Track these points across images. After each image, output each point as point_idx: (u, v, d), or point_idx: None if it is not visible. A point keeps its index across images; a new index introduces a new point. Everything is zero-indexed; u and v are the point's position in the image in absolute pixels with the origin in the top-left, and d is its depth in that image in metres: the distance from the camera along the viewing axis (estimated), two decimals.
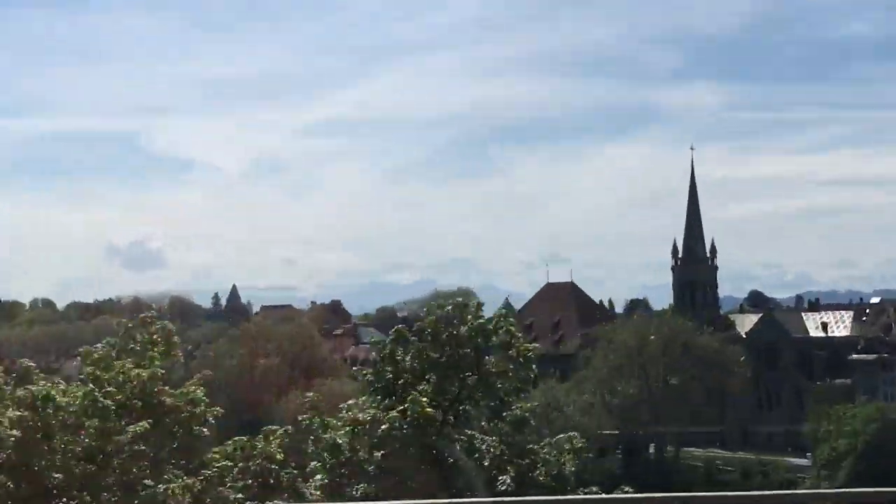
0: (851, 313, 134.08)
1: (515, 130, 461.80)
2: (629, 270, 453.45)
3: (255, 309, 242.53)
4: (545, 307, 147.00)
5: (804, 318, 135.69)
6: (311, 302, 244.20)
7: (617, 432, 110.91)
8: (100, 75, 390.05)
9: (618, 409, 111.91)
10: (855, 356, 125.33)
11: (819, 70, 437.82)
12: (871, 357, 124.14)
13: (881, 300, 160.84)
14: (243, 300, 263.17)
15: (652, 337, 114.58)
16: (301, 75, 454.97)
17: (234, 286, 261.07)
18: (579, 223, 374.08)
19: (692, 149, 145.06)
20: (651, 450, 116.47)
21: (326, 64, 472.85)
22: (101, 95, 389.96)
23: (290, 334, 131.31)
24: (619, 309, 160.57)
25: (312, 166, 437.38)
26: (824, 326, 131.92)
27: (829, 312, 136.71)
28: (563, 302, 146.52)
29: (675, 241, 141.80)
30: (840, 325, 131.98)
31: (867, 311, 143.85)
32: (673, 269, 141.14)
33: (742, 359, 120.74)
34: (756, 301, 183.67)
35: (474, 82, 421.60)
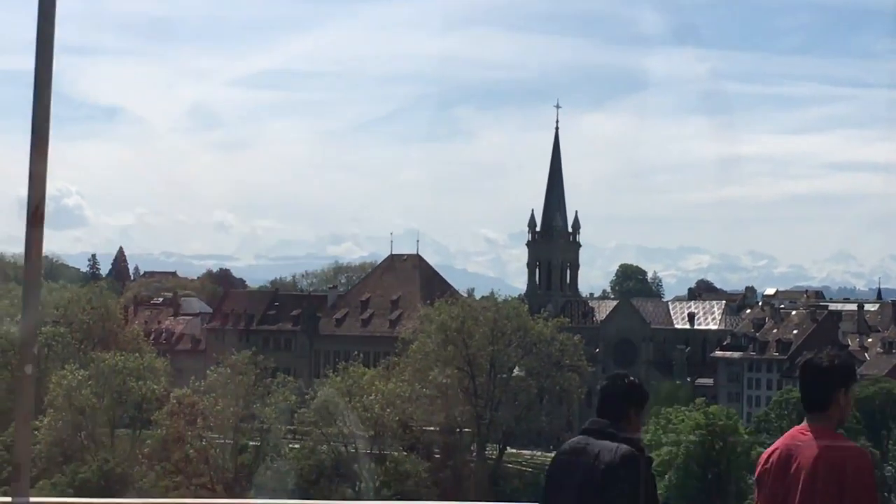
0: (723, 304, 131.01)
1: (483, 91, 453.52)
2: (607, 258, 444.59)
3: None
4: (386, 282, 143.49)
5: (670, 308, 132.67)
6: (209, 270, 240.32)
7: (435, 429, 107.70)
8: (4, 4, 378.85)
9: (434, 402, 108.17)
10: (718, 353, 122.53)
11: (819, 41, 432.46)
12: (737, 355, 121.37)
13: (776, 291, 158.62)
14: (149, 266, 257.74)
15: (480, 319, 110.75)
16: (243, 19, 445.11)
17: (120, 248, 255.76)
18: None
19: (557, 106, 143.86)
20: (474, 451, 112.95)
21: (272, 8, 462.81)
22: (6, 28, 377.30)
23: (79, 299, 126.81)
24: None
25: (252, 121, 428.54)
26: (691, 318, 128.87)
27: (699, 303, 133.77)
28: (406, 277, 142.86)
29: (532, 212, 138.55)
30: (709, 318, 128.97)
31: (759, 303, 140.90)
32: (528, 244, 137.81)
33: (595, 351, 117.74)
34: (702, 290, 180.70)
35: (437, 35, 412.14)
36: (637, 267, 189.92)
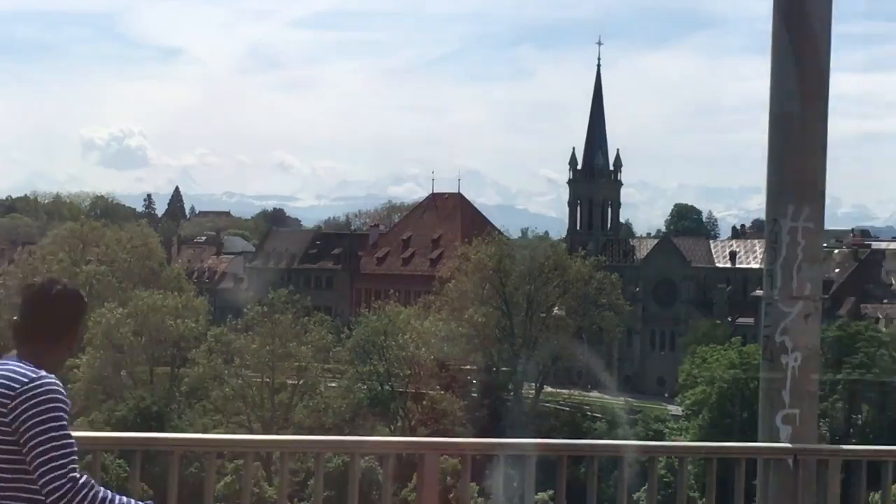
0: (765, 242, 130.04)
1: (544, 30, 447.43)
2: (668, 198, 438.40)
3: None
4: (427, 221, 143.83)
5: (712, 246, 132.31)
6: (264, 210, 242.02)
7: (471, 368, 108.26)
8: None
9: (471, 341, 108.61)
10: (759, 292, 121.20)
11: None
12: None
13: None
14: (202, 205, 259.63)
15: (516, 258, 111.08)
16: None
17: (176, 188, 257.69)
18: (615, 139, 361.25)
19: (599, 44, 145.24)
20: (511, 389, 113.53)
21: None
22: None
23: (120, 238, 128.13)
24: None
25: (312, 62, 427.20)
26: (732, 257, 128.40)
27: (741, 241, 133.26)
28: (447, 216, 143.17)
29: (573, 150, 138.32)
30: (750, 257, 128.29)
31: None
32: (569, 183, 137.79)
33: (635, 290, 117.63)
34: (752, 230, 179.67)
35: None
36: (692, 206, 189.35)
